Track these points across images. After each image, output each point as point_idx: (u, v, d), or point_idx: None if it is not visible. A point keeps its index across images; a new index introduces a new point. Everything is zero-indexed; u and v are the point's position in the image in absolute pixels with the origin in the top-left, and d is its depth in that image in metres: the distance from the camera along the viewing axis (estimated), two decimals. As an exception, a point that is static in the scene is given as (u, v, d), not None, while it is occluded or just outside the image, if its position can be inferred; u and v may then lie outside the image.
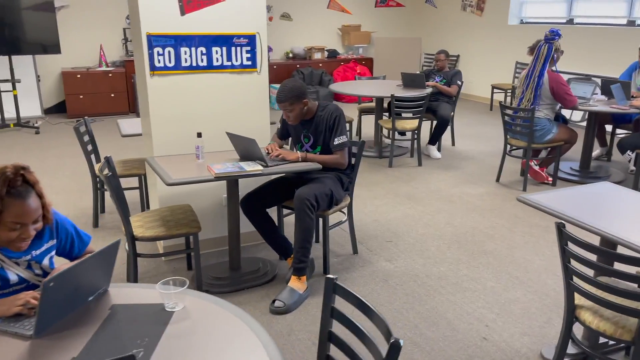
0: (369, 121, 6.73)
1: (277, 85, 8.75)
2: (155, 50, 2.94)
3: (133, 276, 2.72)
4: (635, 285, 2.15)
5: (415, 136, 5.49)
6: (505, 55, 8.57)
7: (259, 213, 3.05)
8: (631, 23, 6.76)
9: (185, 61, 3.04)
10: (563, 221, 2.10)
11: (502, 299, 2.93)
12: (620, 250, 2.03)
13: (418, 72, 5.78)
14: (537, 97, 4.50)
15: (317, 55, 9.43)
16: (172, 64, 3.02)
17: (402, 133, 6.20)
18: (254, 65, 3.22)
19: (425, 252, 3.50)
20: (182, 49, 3.01)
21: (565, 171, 5.11)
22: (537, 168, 4.81)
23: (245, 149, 2.81)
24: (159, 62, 2.97)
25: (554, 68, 4.54)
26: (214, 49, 3.09)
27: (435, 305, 2.86)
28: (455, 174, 5.18)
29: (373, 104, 6.14)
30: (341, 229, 3.77)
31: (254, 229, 3.22)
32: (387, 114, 5.87)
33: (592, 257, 1.95)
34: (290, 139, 3.29)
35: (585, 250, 1.89)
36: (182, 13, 2.97)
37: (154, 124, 3.10)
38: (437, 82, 5.91)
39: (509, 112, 4.71)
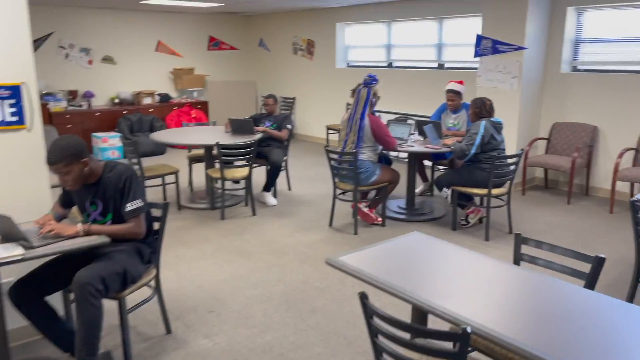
0: (201, 169, 6.31)
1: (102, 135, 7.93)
2: None
3: None
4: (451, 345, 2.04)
5: (248, 184, 5.21)
6: (336, 97, 8.85)
7: (33, 303, 2.44)
8: (441, 66, 7.40)
9: None
10: (374, 284, 1.92)
11: (331, 365, 2.68)
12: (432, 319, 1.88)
13: (246, 118, 5.57)
14: (360, 140, 4.53)
15: (147, 100, 8.80)
16: None
17: (237, 181, 5.90)
18: (21, 122, 2.65)
19: (250, 319, 3.15)
20: None
21: (394, 210, 5.22)
22: (366, 210, 4.82)
23: (1, 228, 2.22)
24: None
25: (375, 111, 4.64)
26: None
27: (257, 387, 2.50)
28: (290, 222, 4.99)
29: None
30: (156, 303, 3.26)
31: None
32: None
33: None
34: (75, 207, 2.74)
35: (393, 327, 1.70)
36: None
37: None
38: (267, 126, 5.75)
39: (335, 156, 4.68)
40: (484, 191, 4.43)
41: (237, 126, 5.52)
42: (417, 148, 4.67)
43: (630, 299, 2.99)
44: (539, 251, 2.39)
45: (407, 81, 7.69)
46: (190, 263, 4.00)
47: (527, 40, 5.68)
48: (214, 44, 9.94)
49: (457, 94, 5.21)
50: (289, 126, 5.76)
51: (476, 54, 6.14)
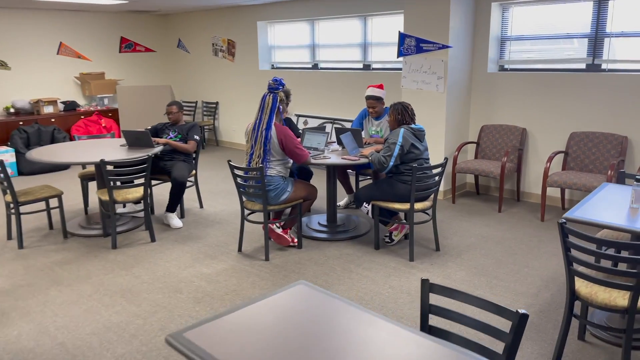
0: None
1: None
2: None
3: None
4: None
5: (145, 206, 4.53)
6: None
7: None
8: (367, 67, 6.97)
9: None
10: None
11: None
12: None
13: (144, 129, 4.89)
14: (267, 153, 3.97)
15: (49, 109, 7.87)
16: None
17: (138, 201, 5.19)
18: None
19: (114, 389, 2.52)
20: None
21: (313, 227, 4.70)
22: (279, 231, 4.26)
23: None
24: None
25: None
26: None
27: None
28: (195, 247, 4.36)
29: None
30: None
31: None
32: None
33: None
34: None
35: None
36: None
37: None
38: (170, 138, 5.08)
39: (240, 172, 4.10)
40: (405, 206, 3.98)
41: (133, 139, 4.83)
42: (333, 160, 4.16)
43: (564, 334, 2.59)
44: (451, 303, 1.91)
45: (334, 83, 7.22)
46: (59, 310, 3.30)
47: (452, 39, 5.32)
48: (127, 45, 9.10)
49: (378, 99, 4.75)
50: (196, 137, 5.11)
51: (400, 54, 5.72)
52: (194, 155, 5.24)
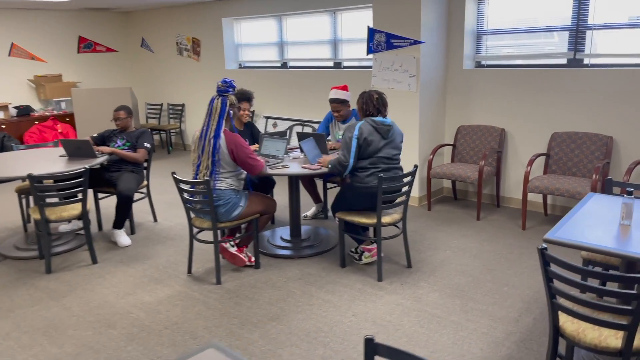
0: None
1: None
2: None
3: None
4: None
5: (85, 224, 4.07)
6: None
7: None
8: (337, 65, 6.55)
9: None
10: None
11: None
12: None
13: (85, 138, 4.41)
14: (216, 164, 3.53)
15: (-2, 115, 7.33)
16: None
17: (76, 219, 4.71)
18: None
19: None
20: None
21: (275, 243, 4.27)
22: (234, 250, 3.83)
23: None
24: None
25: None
26: None
27: None
28: (140, 270, 3.91)
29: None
30: None
31: None
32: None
33: None
34: None
35: None
36: None
37: None
38: (118, 146, 4.62)
39: (186, 186, 3.65)
40: (372, 220, 3.57)
41: (73, 149, 4.35)
42: (292, 169, 3.73)
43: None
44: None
45: (304, 83, 6.79)
46: (-33, 354, 2.84)
47: (424, 33, 4.92)
48: (86, 45, 8.57)
49: (342, 102, 4.34)
50: (146, 144, 4.65)
51: (369, 51, 5.32)
52: (144, 165, 4.78)
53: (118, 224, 4.43)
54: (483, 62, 5.32)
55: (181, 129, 8.57)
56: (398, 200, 4.64)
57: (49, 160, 4.27)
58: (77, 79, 8.49)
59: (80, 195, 3.90)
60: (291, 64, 7.12)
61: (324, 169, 3.69)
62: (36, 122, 7.63)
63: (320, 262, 3.94)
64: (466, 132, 5.29)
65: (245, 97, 4.39)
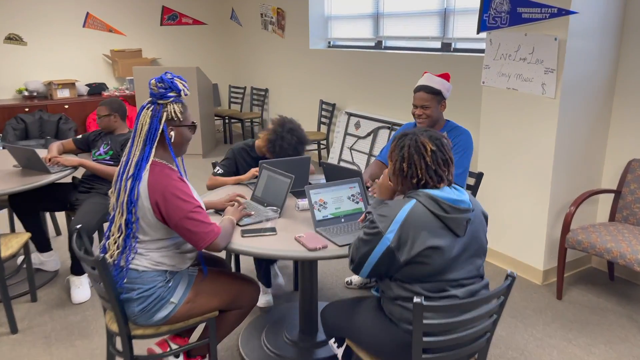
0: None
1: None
2: None
3: None
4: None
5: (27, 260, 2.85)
6: (312, 94, 6.22)
7: None
8: (446, 47, 4.55)
9: None
10: None
11: None
12: None
13: (30, 148, 3.20)
14: (132, 226, 1.98)
15: (64, 93, 6.66)
16: None
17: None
18: None
19: None
20: None
21: (272, 349, 2.64)
22: (175, 363, 2.28)
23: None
24: None
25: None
26: None
27: None
28: (64, 357, 2.57)
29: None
30: None
31: None
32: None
33: None
34: None
35: None
36: None
37: None
38: (99, 154, 3.33)
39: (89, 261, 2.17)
40: (403, 378, 1.74)
41: (23, 159, 3.15)
42: (275, 243, 2.03)
43: None
44: None
45: (399, 70, 4.92)
46: None
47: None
48: (171, 16, 7.59)
49: (436, 94, 2.55)
50: (133, 156, 3.27)
51: (482, 27, 3.30)
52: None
53: (75, 269, 3.16)
54: (693, 50, 2.98)
55: (262, 118, 7.22)
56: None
57: (5, 172, 3.12)
58: (158, 55, 7.58)
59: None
60: (387, 43, 5.26)
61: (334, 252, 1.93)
62: (103, 103, 6.85)
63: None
64: (644, 172, 3.04)
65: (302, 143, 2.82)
